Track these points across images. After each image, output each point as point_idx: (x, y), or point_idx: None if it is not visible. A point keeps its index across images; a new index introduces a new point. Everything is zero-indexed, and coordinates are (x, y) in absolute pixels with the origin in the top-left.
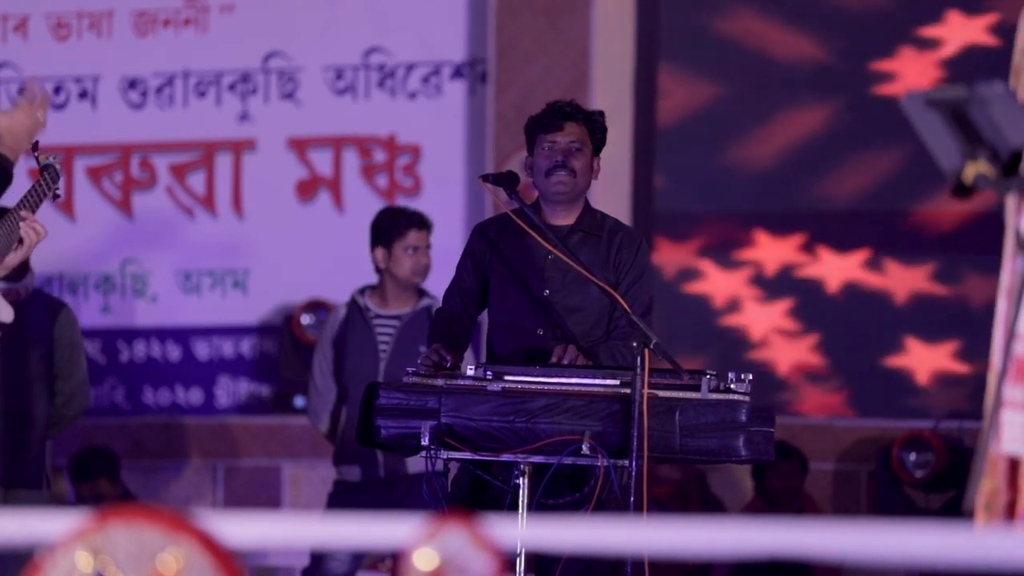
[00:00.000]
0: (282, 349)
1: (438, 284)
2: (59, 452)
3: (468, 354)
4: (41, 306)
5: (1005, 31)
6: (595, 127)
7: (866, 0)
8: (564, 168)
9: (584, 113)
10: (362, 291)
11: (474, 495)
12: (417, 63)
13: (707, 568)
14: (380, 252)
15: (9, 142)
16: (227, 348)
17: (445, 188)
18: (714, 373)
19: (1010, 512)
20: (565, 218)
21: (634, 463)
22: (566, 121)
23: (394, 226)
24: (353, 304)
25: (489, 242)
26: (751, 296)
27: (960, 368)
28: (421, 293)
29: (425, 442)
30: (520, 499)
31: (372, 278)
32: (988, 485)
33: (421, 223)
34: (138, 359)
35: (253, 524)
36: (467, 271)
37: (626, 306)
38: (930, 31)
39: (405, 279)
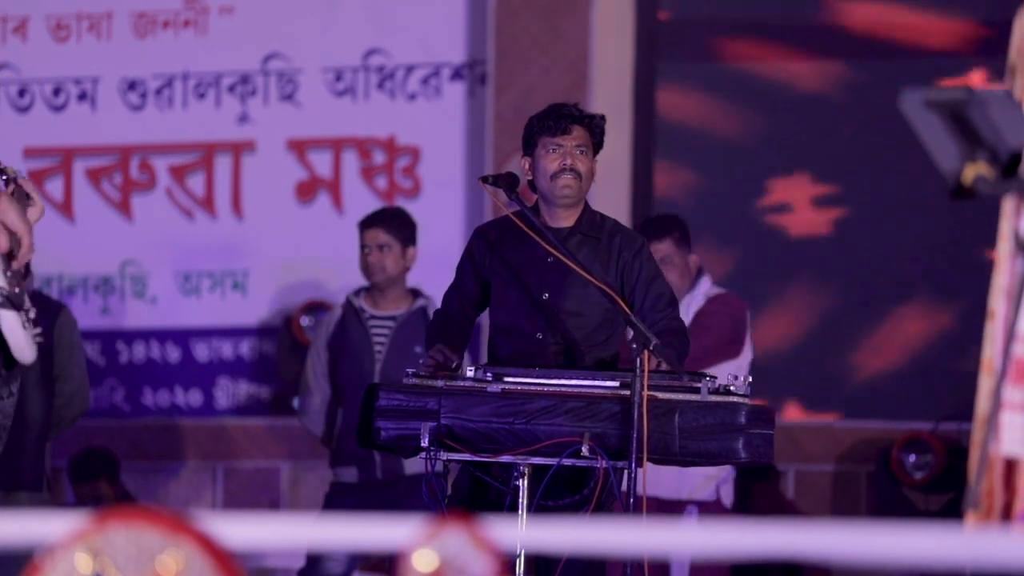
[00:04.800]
0: (281, 351)
1: (437, 285)
2: (58, 454)
3: (466, 356)
4: (40, 308)
5: None
6: (596, 130)
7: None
8: (571, 171)
9: (588, 117)
10: (356, 292)
11: (474, 496)
12: (416, 65)
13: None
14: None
15: None
16: (226, 349)
17: (444, 190)
18: (713, 375)
19: (1006, 513)
20: (565, 220)
21: (633, 465)
22: (573, 124)
23: (360, 226)
24: (348, 305)
25: (489, 244)
26: None
27: None
28: (416, 294)
29: (425, 443)
30: (520, 500)
31: None
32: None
33: (372, 222)
34: (137, 361)
35: (252, 525)
36: (466, 273)
37: (625, 307)
38: None
39: (365, 278)
